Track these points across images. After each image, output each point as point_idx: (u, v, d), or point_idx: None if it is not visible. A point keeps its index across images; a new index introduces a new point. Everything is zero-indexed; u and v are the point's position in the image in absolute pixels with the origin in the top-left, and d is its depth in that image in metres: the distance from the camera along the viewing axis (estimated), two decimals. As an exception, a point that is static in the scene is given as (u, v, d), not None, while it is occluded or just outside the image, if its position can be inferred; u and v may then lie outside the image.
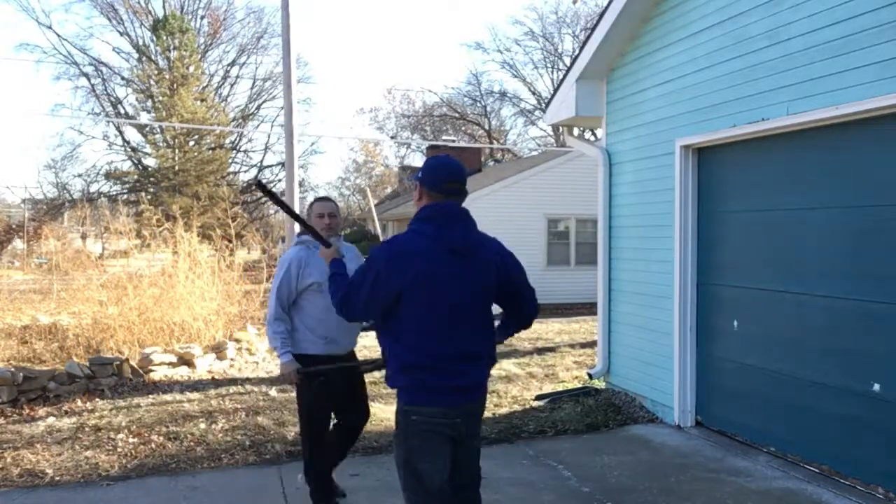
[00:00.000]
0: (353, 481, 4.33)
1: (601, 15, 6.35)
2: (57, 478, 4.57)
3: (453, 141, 31.10)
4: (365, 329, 3.80)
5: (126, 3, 32.50)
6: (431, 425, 2.56)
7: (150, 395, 6.73)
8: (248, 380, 7.52)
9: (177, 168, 30.83)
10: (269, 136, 34.40)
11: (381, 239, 17.19)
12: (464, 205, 2.70)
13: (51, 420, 5.88)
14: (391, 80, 66.06)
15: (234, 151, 35.18)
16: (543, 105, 33.99)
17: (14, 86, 61.74)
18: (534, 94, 38.53)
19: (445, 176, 2.64)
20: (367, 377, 4.29)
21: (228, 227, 11.00)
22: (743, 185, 5.27)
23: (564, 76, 7.07)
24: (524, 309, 2.86)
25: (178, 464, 4.83)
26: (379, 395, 6.55)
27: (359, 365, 3.95)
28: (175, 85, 31.00)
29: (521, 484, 4.38)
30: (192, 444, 5.26)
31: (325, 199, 4.07)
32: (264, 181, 35.15)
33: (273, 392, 6.93)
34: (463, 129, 39.59)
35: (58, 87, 65.01)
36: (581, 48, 6.73)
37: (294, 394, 6.76)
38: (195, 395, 6.75)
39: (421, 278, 2.51)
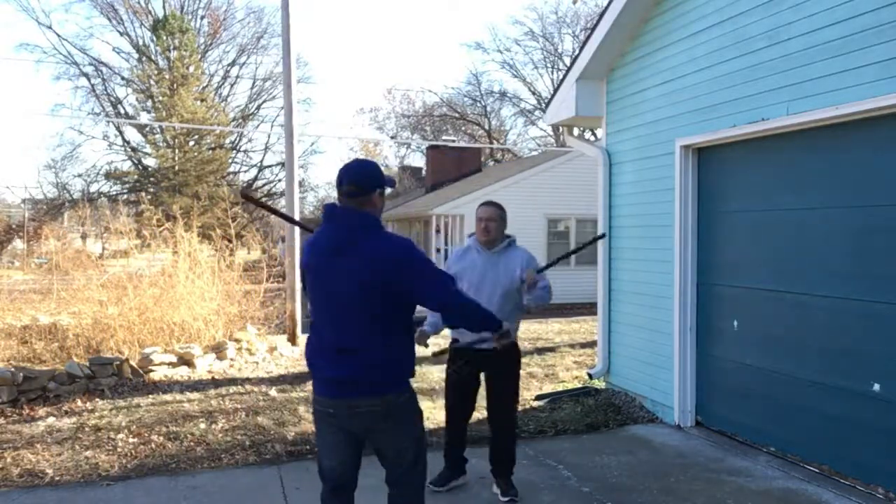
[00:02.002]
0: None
1: (601, 15, 6.35)
2: (57, 478, 4.57)
3: (453, 141, 31.09)
4: None
5: (126, 3, 32.45)
6: (318, 412, 2.84)
7: (150, 395, 6.73)
8: (248, 380, 7.52)
9: (177, 168, 30.78)
10: (269, 136, 34.37)
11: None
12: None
13: (51, 420, 5.88)
14: (391, 80, 66.13)
15: (234, 151, 35.12)
16: (543, 105, 33.99)
17: (14, 86, 61.75)
18: (534, 94, 38.54)
19: (339, 179, 2.75)
20: None
21: (228, 227, 10.99)
22: (743, 184, 5.26)
23: (564, 76, 7.07)
24: (428, 305, 2.82)
25: (178, 464, 4.83)
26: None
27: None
28: (175, 85, 30.96)
29: (521, 484, 4.37)
30: (192, 444, 5.26)
31: (487, 203, 4.27)
32: (264, 181, 35.11)
33: (273, 392, 6.93)
34: (463, 129, 39.57)
35: (58, 87, 64.99)
36: (581, 48, 6.73)
37: (293, 394, 6.78)
38: (195, 395, 6.75)
39: (306, 272, 2.77)
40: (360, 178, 2.72)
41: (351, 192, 2.70)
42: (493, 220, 4.14)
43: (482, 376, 4.28)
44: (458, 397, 4.30)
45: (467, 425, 4.40)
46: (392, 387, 2.74)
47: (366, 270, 2.61)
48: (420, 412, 2.93)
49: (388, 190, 3.11)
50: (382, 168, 3.45)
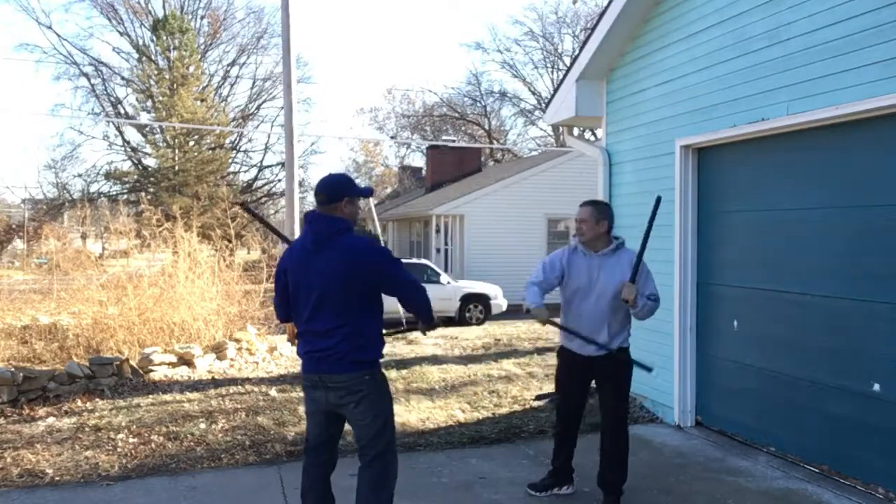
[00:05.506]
0: (352, 481, 4.32)
1: (601, 15, 6.35)
2: (57, 478, 4.57)
3: (453, 141, 31.09)
4: None
5: (126, 3, 32.46)
6: (303, 385, 3.27)
7: (150, 395, 6.73)
8: (248, 380, 7.52)
9: (177, 168, 30.79)
10: (269, 136, 34.37)
11: (381, 239, 17.20)
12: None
13: (51, 420, 5.88)
14: (391, 80, 66.06)
15: (234, 151, 35.14)
16: (543, 105, 34.00)
17: (14, 86, 61.68)
18: (534, 94, 38.56)
19: (315, 190, 3.22)
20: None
21: (228, 227, 11.00)
22: (743, 185, 5.27)
23: (564, 76, 7.07)
24: (403, 303, 3.22)
25: (178, 464, 4.84)
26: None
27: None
28: (175, 85, 30.95)
29: (521, 484, 4.38)
30: (192, 444, 5.26)
31: (584, 203, 4.06)
32: (264, 181, 35.15)
33: (273, 392, 6.93)
34: (463, 129, 39.57)
35: (58, 87, 65.07)
36: (581, 48, 6.73)
37: (293, 394, 6.78)
38: (195, 395, 6.74)
39: (287, 267, 3.19)
40: (329, 189, 3.16)
41: (321, 200, 3.16)
42: (585, 221, 3.93)
43: (593, 384, 4.12)
44: (566, 405, 4.16)
45: (576, 433, 4.19)
46: (356, 367, 3.07)
47: (335, 263, 3.03)
48: (389, 397, 3.24)
49: (372, 201, 3.43)
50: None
